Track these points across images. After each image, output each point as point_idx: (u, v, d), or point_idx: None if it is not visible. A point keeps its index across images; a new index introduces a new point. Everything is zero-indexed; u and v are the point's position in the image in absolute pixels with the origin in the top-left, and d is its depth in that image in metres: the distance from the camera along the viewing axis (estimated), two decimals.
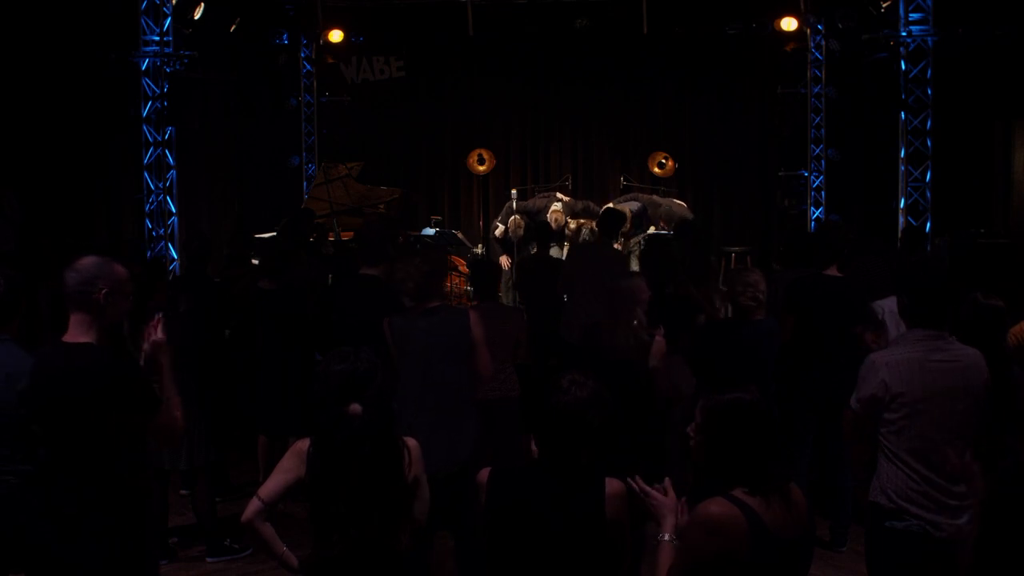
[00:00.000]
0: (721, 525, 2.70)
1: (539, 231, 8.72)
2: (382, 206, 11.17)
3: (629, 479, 2.98)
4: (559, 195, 11.34)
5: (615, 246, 8.76)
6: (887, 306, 5.12)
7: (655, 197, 11.51)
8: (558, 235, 10.57)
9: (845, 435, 3.90)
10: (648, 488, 2.94)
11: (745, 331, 5.19)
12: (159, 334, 3.56)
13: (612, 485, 2.98)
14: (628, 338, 4.98)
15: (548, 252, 8.66)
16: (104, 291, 3.42)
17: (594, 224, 10.81)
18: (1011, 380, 4.17)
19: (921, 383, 3.63)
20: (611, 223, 8.19)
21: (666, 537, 2.88)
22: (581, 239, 10.86)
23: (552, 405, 2.99)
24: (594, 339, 5.15)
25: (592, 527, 2.95)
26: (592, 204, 11.34)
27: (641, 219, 11.01)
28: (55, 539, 3.46)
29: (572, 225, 11.02)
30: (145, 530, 3.66)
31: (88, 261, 3.45)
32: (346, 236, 10.50)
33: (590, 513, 2.95)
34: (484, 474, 3.12)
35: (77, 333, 3.43)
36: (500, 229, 11.21)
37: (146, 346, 3.55)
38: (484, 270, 6.01)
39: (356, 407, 3.14)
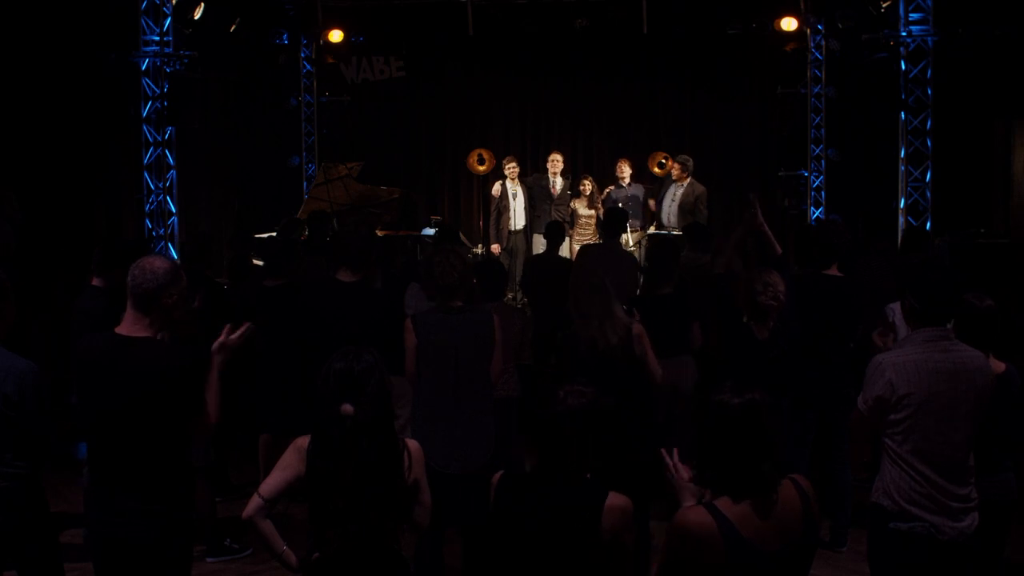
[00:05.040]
0: (694, 536, 2.69)
1: (549, 230, 8.71)
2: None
3: (664, 451, 2.96)
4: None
5: (625, 245, 8.79)
6: (898, 309, 5.11)
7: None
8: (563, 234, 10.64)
9: (852, 436, 3.89)
10: (680, 465, 2.91)
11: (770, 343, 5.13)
12: (234, 339, 3.70)
13: (614, 498, 2.96)
14: (615, 333, 5.00)
15: (557, 251, 8.64)
16: (175, 298, 3.52)
17: (589, 181, 11.22)
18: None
19: (928, 384, 3.63)
20: (614, 222, 8.15)
21: None
22: (580, 189, 11.16)
23: (547, 414, 2.98)
24: (578, 339, 5.16)
25: (583, 538, 2.92)
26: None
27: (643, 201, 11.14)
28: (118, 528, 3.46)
29: (583, 211, 11.19)
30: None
31: (160, 265, 3.52)
32: None
33: (583, 523, 2.93)
34: (496, 477, 3.14)
35: (137, 328, 3.49)
36: (497, 188, 11.40)
37: (216, 350, 3.69)
38: (490, 270, 6.01)
39: (348, 407, 3.16)
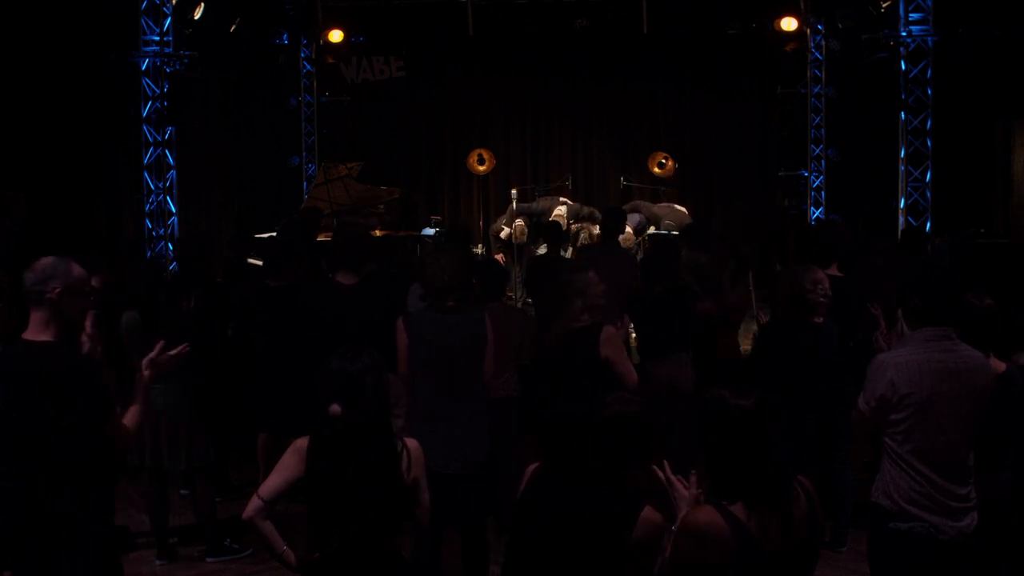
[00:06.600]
0: (705, 535, 2.68)
1: (550, 231, 8.70)
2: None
3: (655, 466, 2.96)
4: (563, 199, 11.38)
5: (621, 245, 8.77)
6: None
7: (655, 208, 11.43)
8: (564, 235, 10.56)
9: (852, 436, 3.89)
10: (673, 477, 2.91)
11: (808, 335, 5.22)
12: (165, 359, 3.70)
13: (650, 512, 2.96)
14: (559, 329, 5.03)
15: (559, 252, 8.64)
16: (57, 290, 3.49)
17: (592, 228, 10.87)
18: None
19: (930, 384, 3.62)
20: (613, 222, 8.18)
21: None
22: (579, 243, 10.86)
23: (596, 419, 3.00)
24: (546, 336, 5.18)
25: (612, 541, 2.92)
26: (596, 211, 11.37)
27: (643, 230, 11.06)
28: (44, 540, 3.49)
29: (573, 228, 11.03)
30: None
31: (45, 261, 3.54)
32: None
33: (615, 526, 2.93)
34: (531, 468, 3.15)
35: (37, 331, 3.51)
36: (505, 232, 11.25)
37: (146, 366, 3.67)
38: (491, 271, 6.01)
39: (335, 408, 3.17)
